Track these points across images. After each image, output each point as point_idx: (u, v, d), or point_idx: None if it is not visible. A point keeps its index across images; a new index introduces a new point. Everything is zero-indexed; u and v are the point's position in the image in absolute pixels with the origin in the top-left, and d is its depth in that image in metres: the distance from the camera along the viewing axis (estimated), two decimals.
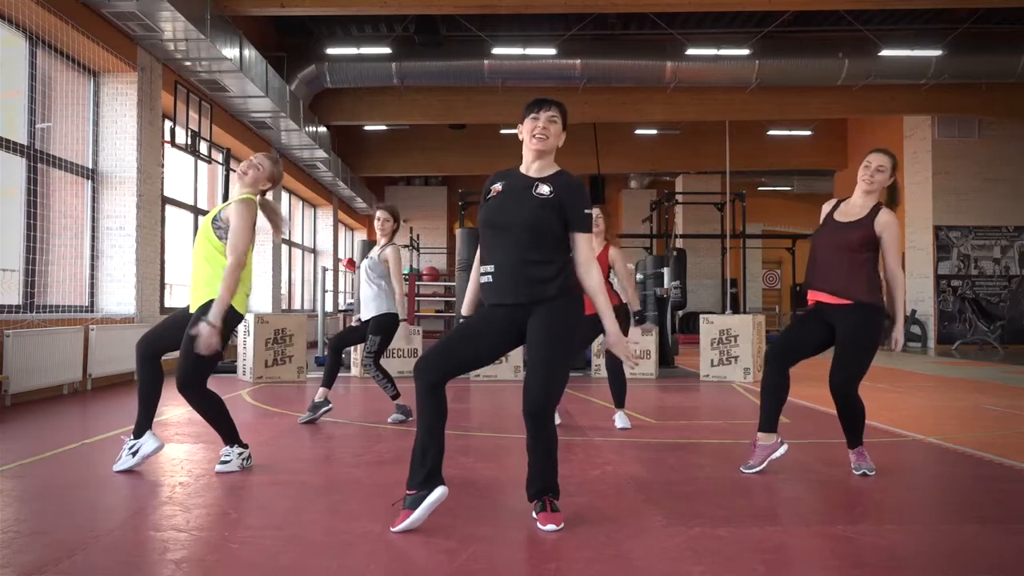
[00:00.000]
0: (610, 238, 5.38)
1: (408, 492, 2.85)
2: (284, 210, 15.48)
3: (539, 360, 2.87)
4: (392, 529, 2.81)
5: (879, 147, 4.02)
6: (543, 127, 2.96)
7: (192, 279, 3.79)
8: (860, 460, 3.85)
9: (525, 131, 3.00)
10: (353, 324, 5.84)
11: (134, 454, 3.78)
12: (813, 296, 3.86)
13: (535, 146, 2.97)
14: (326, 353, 5.71)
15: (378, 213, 5.62)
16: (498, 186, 3.02)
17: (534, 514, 2.94)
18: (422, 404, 2.84)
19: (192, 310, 3.71)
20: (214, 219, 3.77)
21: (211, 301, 3.62)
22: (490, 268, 2.95)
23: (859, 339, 3.71)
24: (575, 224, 2.94)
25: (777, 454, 3.89)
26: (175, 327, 3.80)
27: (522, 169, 3.05)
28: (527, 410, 2.86)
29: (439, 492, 2.82)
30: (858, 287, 3.72)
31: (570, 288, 2.94)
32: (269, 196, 4.09)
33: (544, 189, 2.94)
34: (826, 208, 4.00)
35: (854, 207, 3.86)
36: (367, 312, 5.55)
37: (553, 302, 2.90)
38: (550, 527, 2.84)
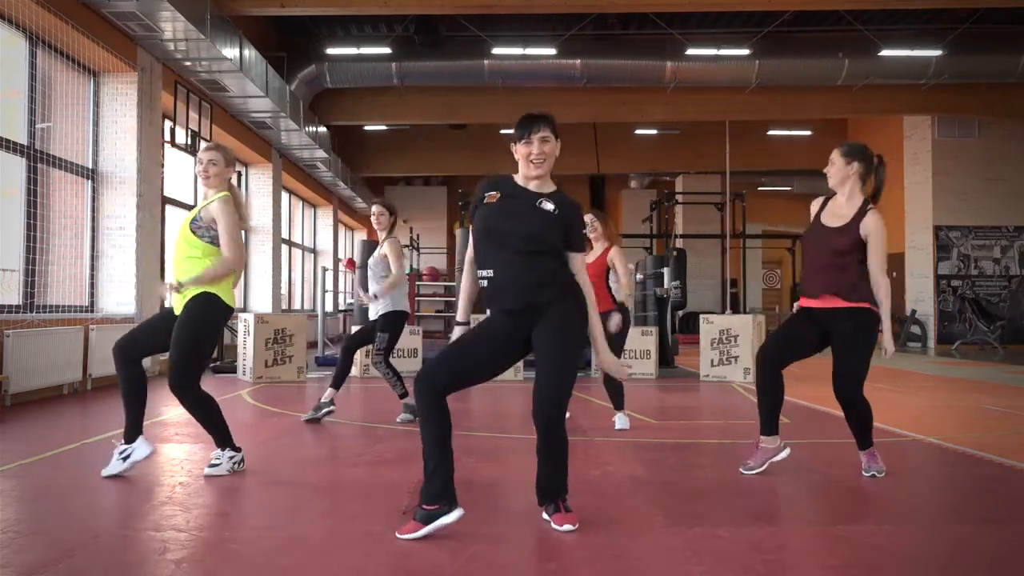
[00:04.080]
0: (612, 238, 5.41)
1: (423, 506, 2.74)
2: (284, 210, 15.50)
3: (548, 362, 2.85)
4: (398, 535, 2.74)
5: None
6: (538, 152, 2.90)
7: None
8: (871, 461, 3.77)
9: (520, 154, 2.96)
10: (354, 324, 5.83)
11: (125, 459, 3.69)
12: (804, 303, 3.76)
13: (534, 173, 2.94)
14: (327, 353, 5.69)
15: (373, 208, 5.63)
16: (495, 193, 2.98)
17: (545, 516, 2.93)
18: (426, 415, 2.77)
19: (177, 311, 3.68)
20: (193, 220, 3.75)
21: (199, 294, 3.62)
22: (488, 272, 2.93)
23: (854, 343, 3.62)
24: (573, 244, 2.99)
25: (779, 457, 3.85)
26: (158, 328, 3.75)
27: (519, 181, 3.01)
28: (539, 413, 2.84)
29: (455, 515, 2.73)
30: (847, 290, 3.60)
31: (572, 289, 2.95)
32: (232, 180, 4.00)
33: (548, 206, 2.93)
34: (814, 207, 3.84)
35: (840, 207, 3.71)
36: (374, 310, 5.56)
37: (558, 304, 2.89)
38: (567, 527, 2.83)
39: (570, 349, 2.90)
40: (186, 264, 3.70)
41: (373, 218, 5.63)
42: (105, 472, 3.67)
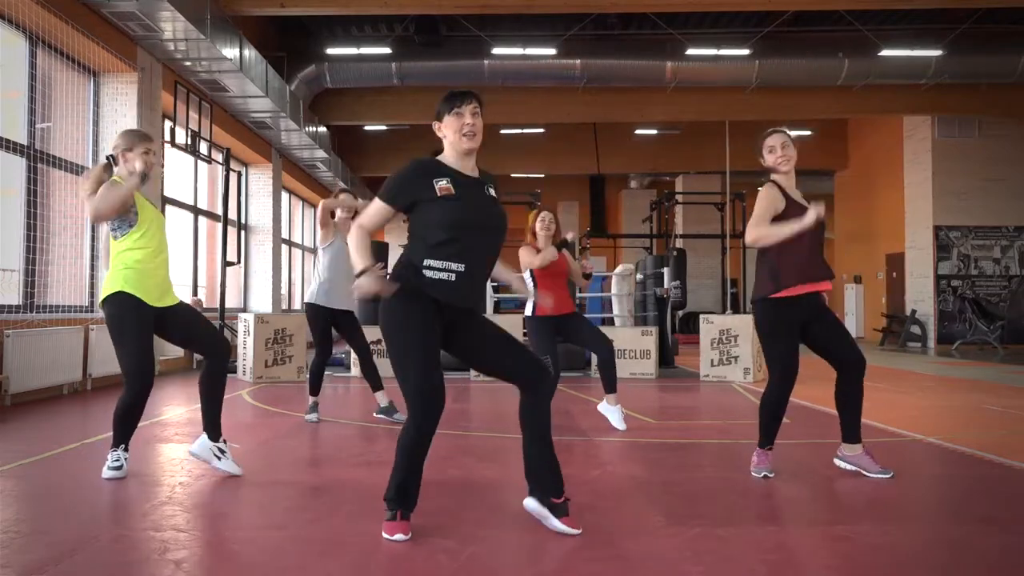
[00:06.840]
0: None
1: (397, 512, 2.73)
2: (284, 210, 15.49)
3: (512, 341, 2.88)
4: (386, 536, 2.72)
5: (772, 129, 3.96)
6: (471, 123, 2.79)
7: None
8: (872, 461, 3.74)
9: (449, 128, 2.80)
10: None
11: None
12: (802, 289, 3.60)
13: (466, 145, 2.79)
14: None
15: (340, 202, 5.54)
16: (445, 184, 2.73)
17: (551, 515, 2.78)
18: (427, 440, 2.70)
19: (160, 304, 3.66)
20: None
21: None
22: (458, 267, 2.70)
23: (832, 314, 3.76)
24: None
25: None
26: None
27: (452, 165, 2.82)
28: (547, 390, 2.81)
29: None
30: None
31: None
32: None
33: (492, 192, 2.88)
34: (776, 192, 3.67)
35: (793, 191, 3.75)
36: (349, 303, 5.51)
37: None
38: (576, 530, 2.78)
39: None
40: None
41: (344, 211, 5.51)
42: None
